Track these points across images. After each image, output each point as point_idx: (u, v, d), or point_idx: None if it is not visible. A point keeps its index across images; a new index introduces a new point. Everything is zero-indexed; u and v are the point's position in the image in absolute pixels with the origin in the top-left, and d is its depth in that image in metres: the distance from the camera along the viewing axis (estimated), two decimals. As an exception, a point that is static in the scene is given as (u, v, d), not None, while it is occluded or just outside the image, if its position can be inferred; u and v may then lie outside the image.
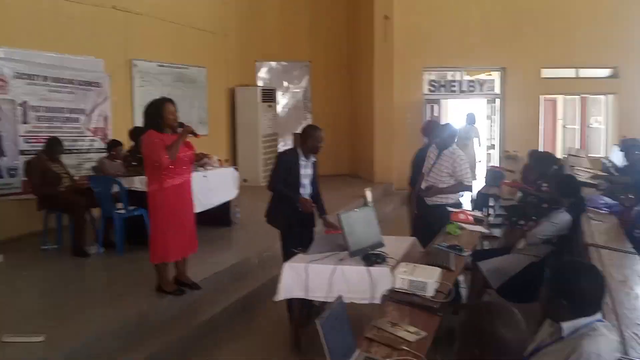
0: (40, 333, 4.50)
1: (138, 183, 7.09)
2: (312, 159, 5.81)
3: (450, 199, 6.29)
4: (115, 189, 7.06)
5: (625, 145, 9.03)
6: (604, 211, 5.97)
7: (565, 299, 2.51)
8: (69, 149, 8.44)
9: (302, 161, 5.72)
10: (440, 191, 6.19)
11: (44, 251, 7.20)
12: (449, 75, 14.15)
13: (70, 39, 8.66)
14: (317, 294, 4.70)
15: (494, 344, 1.95)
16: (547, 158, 8.09)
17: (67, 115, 8.71)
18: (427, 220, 6.29)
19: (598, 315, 2.52)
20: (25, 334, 4.50)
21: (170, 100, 5.39)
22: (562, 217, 5.27)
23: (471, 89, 13.95)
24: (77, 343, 4.47)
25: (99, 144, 9.04)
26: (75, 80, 8.78)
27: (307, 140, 5.73)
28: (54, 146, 7.36)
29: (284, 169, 5.73)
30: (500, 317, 2.00)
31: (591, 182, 7.52)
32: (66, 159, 7.86)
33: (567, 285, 2.54)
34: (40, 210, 7.30)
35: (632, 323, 2.83)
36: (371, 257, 4.66)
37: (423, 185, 6.35)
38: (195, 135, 5.48)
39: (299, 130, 13.79)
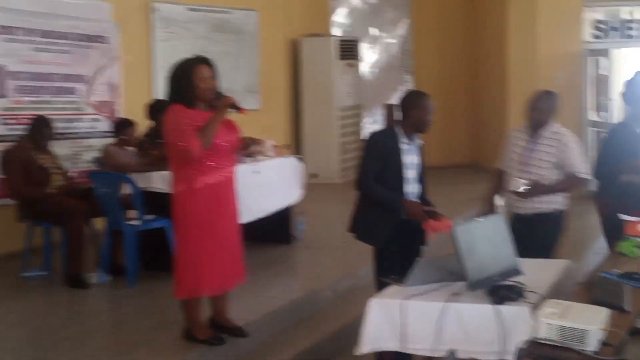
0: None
1: (159, 181, 7.15)
2: (418, 141, 5.75)
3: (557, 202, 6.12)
4: (127, 189, 7.15)
5: None
6: None
7: None
8: (62, 133, 8.59)
9: (404, 145, 5.63)
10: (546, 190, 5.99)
11: (25, 279, 7.33)
12: (621, 14, 13.76)
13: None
14: (419, 346, 4.63)
15: None
16: None
17: (60, 84, 8.89)
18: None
19: None
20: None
21: (205, 61, 5.36)
22: None
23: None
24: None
25: (104, 124, 9.19)
26: (71, 33, 8.94)
27: (411, 112, 5.60)
28: (41, 129, 7.45)
29: (378, 158, 5.65)
30: None
31: None
32: (59, 147, 8.00)
33: None
34: (22, 221, 7.45)
35: None
36: (502, 290, 4.58)
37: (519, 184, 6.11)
38: (240, 110, 5.48)
39: (395, 101, 13.86)
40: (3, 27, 8.23)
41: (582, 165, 5.93)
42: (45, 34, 8.64)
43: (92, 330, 6.11)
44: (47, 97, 8.71)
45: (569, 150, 5.88)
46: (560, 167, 5.86)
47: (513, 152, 6.07)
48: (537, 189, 5.82)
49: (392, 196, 5.50)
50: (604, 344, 3.74)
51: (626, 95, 7.31)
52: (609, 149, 6.90)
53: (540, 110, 5.91)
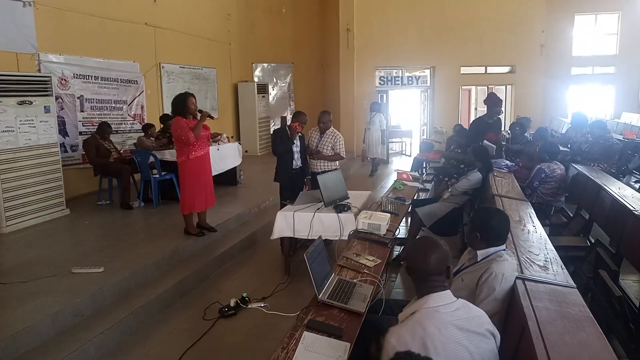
0: (100, 265, 4.50)
1: (168, 155, 7.06)
2: (299, 133, 5.83)
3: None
4: (151, 159, 6.96)
5: (519, 121, 9.16)
6: (504, 170, 6.06)
7: (479, 233, 2.56)
8: (116, 130, 8.27)
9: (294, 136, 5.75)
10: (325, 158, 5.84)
11: (99, 206, 7.10)
12: (394, 72, 14.06)
13: (114, 47, 8.41)
14: (302, 234, 4.74)
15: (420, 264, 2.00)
16: (463, 130, 8.17)
17: (113, 105, 8.49)
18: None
19: (503, 246, 2.59)
20: (89, 266, 4.49)
21: (192, 94, 5.30)
22: (475, 176, 5.34)
23: (410, 82, 13.90)
24: (128, 272, 4.47)
25: (138, 126, 8.82)
26: (118, 78, 8.53)
27: (296, 121, 5.77)
28: (104, 128, 7.23)
29: (279, 140, 5.74)
30: (429, 245, 2.03)
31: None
32: (114, 138, 7.71)
33: (481, 223, 2.60)
34: (96, 176, 7.20)
35: (526, 250, 2.91)
36: (340, 206, 4.71)
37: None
38: (212, 117, 5.43)
39: (285, 114, 13.81)
40: (82, 75, 7.79)
41: (342, 149, 5.81)
42: (104, 79, 8.20)
43: (135, 231, 5.96)
44: (106, 112, 8.30)
45: (338, 141, 5.80)
46: (332, 148, 5.79)
47: (311, 141, 5.90)
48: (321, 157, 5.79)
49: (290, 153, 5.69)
50: (388, 230, 3.92)
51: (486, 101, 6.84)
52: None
53: (325, 121, 5.83)
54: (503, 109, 6.87)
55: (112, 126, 7.63)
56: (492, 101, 6.41)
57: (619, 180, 5.89)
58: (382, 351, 1.88)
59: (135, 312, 4.06)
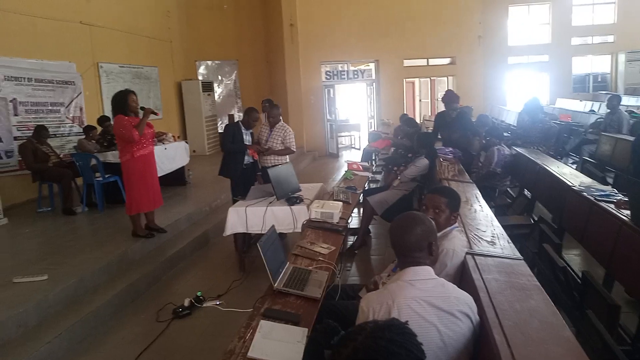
0: (44, 273, 4.28)
1: (111, 157, 6.82)
2: (250, 130, 5.85)
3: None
4: (93, 162, 6.69)
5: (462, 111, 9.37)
6: (449, 156, 6.23)
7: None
8: (54, 134, 7.91)
9: (243, 131, 5.78)
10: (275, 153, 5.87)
11: (39, 213, 6.77)
12: (339, 67, 14.14)
13: (48, 47, 8.01)
14: (255, 229, 4.68)
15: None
16: (410, 120, 8.34)
17: (50, 107, 8.09)
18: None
19: (454, 224, 2.65)
20: (31, 275, 4.26)
21: (132, 92, 5.07)
22: (422, 162, 5.45)
23: (355, 76, 14.02)
24: (74, 279, 4.27)
25: (77, 128, 8.45)
26: (54, 80, 8.13)
27: (248, 117, 5.80)
28: (41, 132, 6.89)
29: (231, 136, 5.71)
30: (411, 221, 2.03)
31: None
32: (52, 142, 7.40)
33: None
34: (35, 182, 6.83)
35: (474, 228, 2.99)
36: (292, 199, 4.69)
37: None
38: (156, 114, 5.29)
39: (233, 112, 13.63)
40: (14, 77, 7.38)
41: (292, 143, 5.84)
42: (39, 80, 7.80)
43: (81, 237, 5.72)
44: (43, 115, 7.89)
45: (288, 135, 5.82)
46: (284, 143, 5.81)
47: (261, 136, 5.91)
48: (271, 153, 5.79)
49: (241, 148, 5.66)
50: (341, 218, 3.94)
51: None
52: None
53: (275, 115, 5.86)
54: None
55: (50, 129, 7.29)
56: (449, 98, 6.70)
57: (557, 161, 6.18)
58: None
59: (85, 319, 3.89)
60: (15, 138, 7.36)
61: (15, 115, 7.46)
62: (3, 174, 7.08)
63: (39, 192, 6.95)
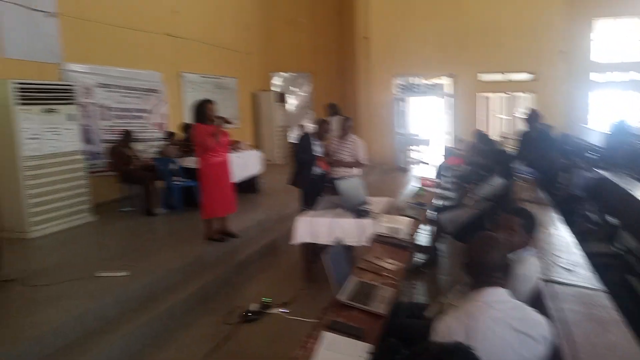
0: (124, 270, 4.56)
1: (189, 162, 7.11)
2: (321, 141, 5.97)
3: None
4: (173, 166, 7.04)
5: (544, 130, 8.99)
6: (527, 176, 5.99)
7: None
8: (138, 138, 8.40)
9: (315, 142, 5.90)
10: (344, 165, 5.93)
11: (123, 212, 7.21)
12: (412, 80, 14.02)
13: (137, 57, 8.60)
14: (321, 239, 4.71)
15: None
16: (484, 136, 8.11)
17: (136, 114, 8.65)
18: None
19: (529, 248, 2.56)
20: (113, 270, 4.55)
21: (210, 101, 5.32)
22: (496, 181, 5.28)
23: (427, 90, 13.85)
24: (152, 276, 4.53)
25: (159, 134, 8.97)
26: (141, 88, 8.70)
27: (320, 128, 5.94)
28: (127, 136, 7.37)
29: (304, 146, 5.86)
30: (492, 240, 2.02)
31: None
32: (136, 146, 7.85)
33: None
34: (120, 182, 7.31)
35: (549, 253, 2.87)
36: (360, 212, 4.70)
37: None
38: (230, 122, 5.50)
39: (303, 122, 13.88)
40: (105, 84, 7.97)
41: (363, 156, 5.89)
42: (127, 88, 8.39)
43: (159, 237, 6.05)
44: (129, 120, 8.44)
45: (358, 148, 5.87)
46: (354, 155, 5.86)
47: (331, 148, 5.99)
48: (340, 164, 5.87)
49: (312, 160, 5.77)
50: (408, 234, 3.90)
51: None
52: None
53: (345, 128, 5.95)
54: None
55: (135, 134, 7.77)
56: (534, 117, 6.73)
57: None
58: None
59: (159, 316, 4.11)
60: (104, 141, 7.91)
61: (105, 119, 8.03)
62: (92, 174, 7.61)
63: (123, 193, 7.40)
